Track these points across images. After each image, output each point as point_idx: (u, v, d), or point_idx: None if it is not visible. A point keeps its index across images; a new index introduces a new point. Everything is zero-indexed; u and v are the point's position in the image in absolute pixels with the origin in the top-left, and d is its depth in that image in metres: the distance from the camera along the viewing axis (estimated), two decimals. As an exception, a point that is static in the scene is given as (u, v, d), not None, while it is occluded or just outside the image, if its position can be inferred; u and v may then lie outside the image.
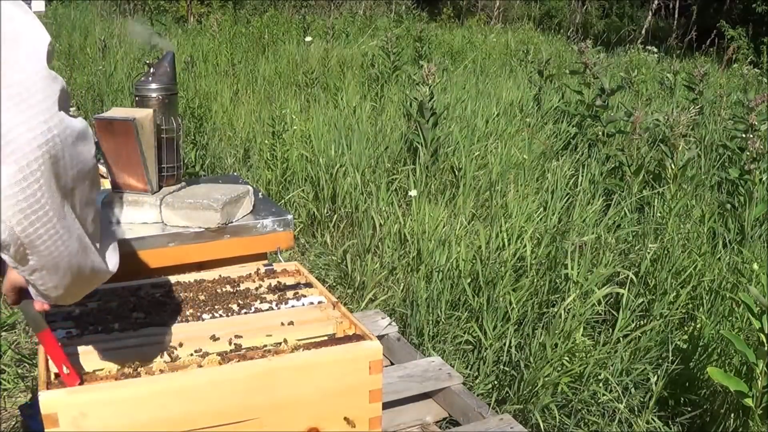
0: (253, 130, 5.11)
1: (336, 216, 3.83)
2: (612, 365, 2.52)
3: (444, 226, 3.30)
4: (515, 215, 3.27)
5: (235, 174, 3.28)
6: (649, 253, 2.98)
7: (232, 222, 1.86)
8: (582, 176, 3.89)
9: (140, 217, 1.82)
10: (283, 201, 4.00)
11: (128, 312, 1.37)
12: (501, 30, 11.32)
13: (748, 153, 3.78)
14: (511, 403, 2.43)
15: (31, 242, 0.80)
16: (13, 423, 2.31)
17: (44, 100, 0.78)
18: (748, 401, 2.11)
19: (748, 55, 10.01)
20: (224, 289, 1.49)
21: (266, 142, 4.41)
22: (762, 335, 2.12)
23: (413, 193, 3.64)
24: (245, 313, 1.39)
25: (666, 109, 5.14)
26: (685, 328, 2.77)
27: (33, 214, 0.78)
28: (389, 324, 2.66)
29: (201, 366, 1.18)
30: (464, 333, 2.74)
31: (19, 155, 0.75)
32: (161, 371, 1.16)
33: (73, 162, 0.83)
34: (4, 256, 0.81)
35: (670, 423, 2.41)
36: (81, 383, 1.10)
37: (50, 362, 1.12)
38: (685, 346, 2.60)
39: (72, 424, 1.07)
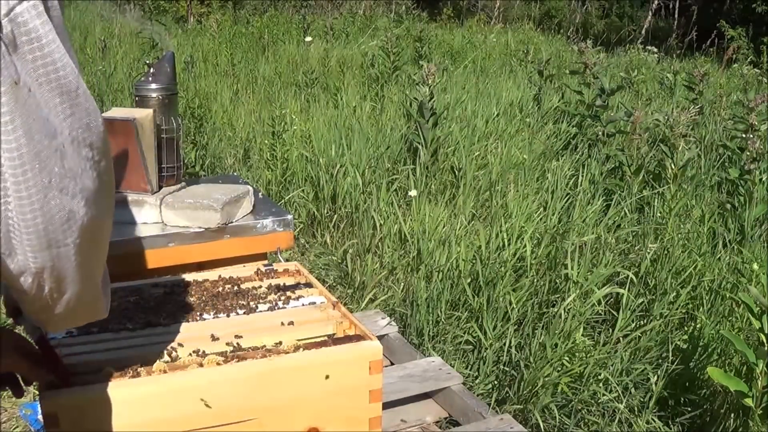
0: (253, 130, 5.11)
1: (336, 216, 3.83)
2: (612, 365, 2.52)
3: (444, 226, 3.30)
4: (515, 215, 3.27)
5: (235, 174, 3.28)
6: (649, 253, 2.98)
7: (232, 222, 1.86)
8: (582, 176, 3.89)
9: (140, 217, 1.82)
10: (283, 201, 4.00)
11: (128, 312, 1.37)
12: (501, 30, 11.32)
13: (748, 153, 3.78)
14: (511, 403, 2.43)
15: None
16: (13, 423, 2.31)
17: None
18: (748, 401, 2.11)
19: (748, 55, 10.00)
20: (224, 289, 1.49)
21: (266, 142, 4.41)
22: (762, 335, 2.12)
23: (413, 193, 3.64)
24: (245, 313, 1.39)
25: (666, 109, 5.14)
26: (685, 328, 2.77)
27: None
28: (389, 324, 2.66)
29: (201, 366, 1.18)
30: (464, 333, 2.74)
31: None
32: (161, 371, 1.16)
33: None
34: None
35: (670, 423, 2.41)
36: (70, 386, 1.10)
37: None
38: (685, 346, 2.60)
39: (72, 424, 1.07)
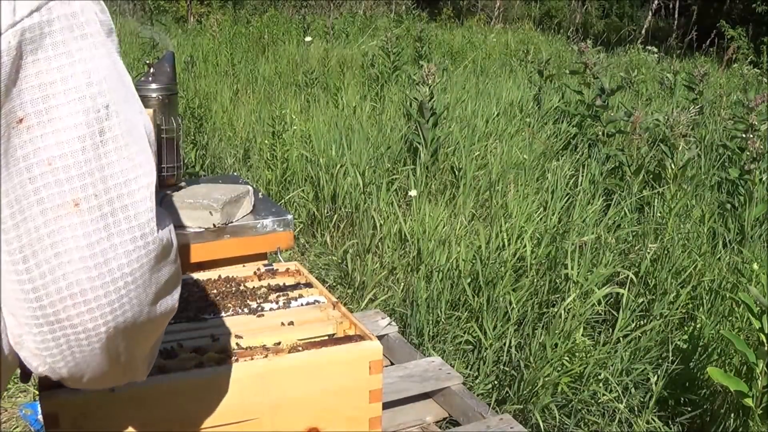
0: (253, 130, 5.11)
1: (336, 216, 3.83)
2: (612, 365, 2.52)
3: (444, 226, 3.30)
4: (515, 215, 3.27)
5: (235, 174, 3.28)
6: (649, 253, 2.98)
7: (232, 222, 1.86)
8: (582, 176, 3.89)
9: (140, 217, 1.81)
10: (283, 201, 4.00)
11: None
12: (501, 30, 11.32)
13: (748, 153, 3.78)
14: (511, 403, 2.43)
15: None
16: (14, 423, 2.31)
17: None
18: (748, 401, 2.11)
19: (748, 55, 10.00)
20: (224, 289, 1.49)
21: (266, 142, 4.41)
22: (762, 335, 2.12)
23: (413, 193, 3.64)
24: (245, 313, 1.39)
25: (666, 109, 5.14)
26: (685, 328, 2.77)
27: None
28: (389, 324, 2.66)
29: (201, 366, 1.18)
30: (464, 333, 2.73)
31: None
32: (161, 371, 1.16)
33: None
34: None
35: (670, 423, 2.41)
36: None
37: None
38: (685, 346, 2.60)
39: (72, 424, 1.07)
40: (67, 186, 0.57)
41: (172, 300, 0.70)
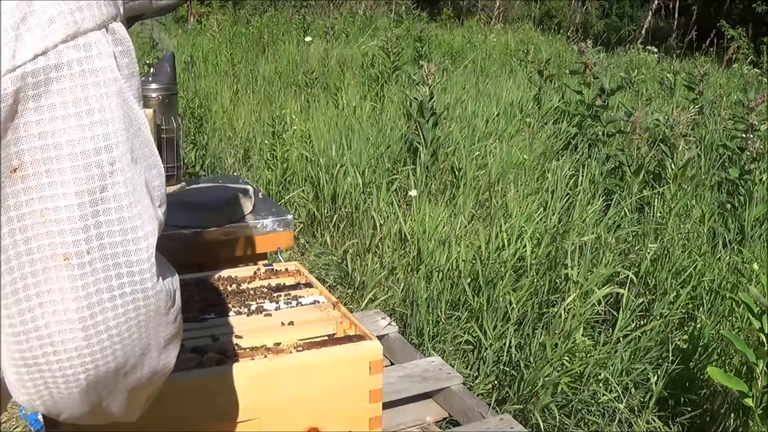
0: (253, 130, 5.11)
1: (336, 216, 3.83)
2: (612, 365, 2.52)
3: (444, 226, 3.30)
4: (515, 215, 3.27)
5: (235, 174, 3.28)
6: (649, 253, 2.98)
7: (232, 222, 1.86)
8: (582, 176, 3.89)
9: (140, 217, 1.81)
10: (283, 201, 4.00)
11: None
12: (501, 30, 11.32)
13: (748, 153, 3.78)
14: (511, 403, 2.43)
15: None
16: (14, 423, 2.31)
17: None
18: (748, 401, 2.11)
19: (748, 55, 9.99)
20: (224, 289, 1.49)
21: (266, 142, 4.41)
22: (762, 335, 2.12)
23: (413, 193, 3.64)
24: (245, 313, 1.39)
25: (666, 109, 5.15)
26: (685, 328, 2.77)
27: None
28: (389, 324, 2.66)
29: (201, 366, 1.18)
30: (464, 333, 2.74)
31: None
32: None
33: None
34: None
35: (670, 423, 2.41)
36: None
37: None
38: (685, 346, 2.60)
39: (72, 424, 1.06)
40: (58, 239, 0.55)
41: (167, 358, 0.68)
